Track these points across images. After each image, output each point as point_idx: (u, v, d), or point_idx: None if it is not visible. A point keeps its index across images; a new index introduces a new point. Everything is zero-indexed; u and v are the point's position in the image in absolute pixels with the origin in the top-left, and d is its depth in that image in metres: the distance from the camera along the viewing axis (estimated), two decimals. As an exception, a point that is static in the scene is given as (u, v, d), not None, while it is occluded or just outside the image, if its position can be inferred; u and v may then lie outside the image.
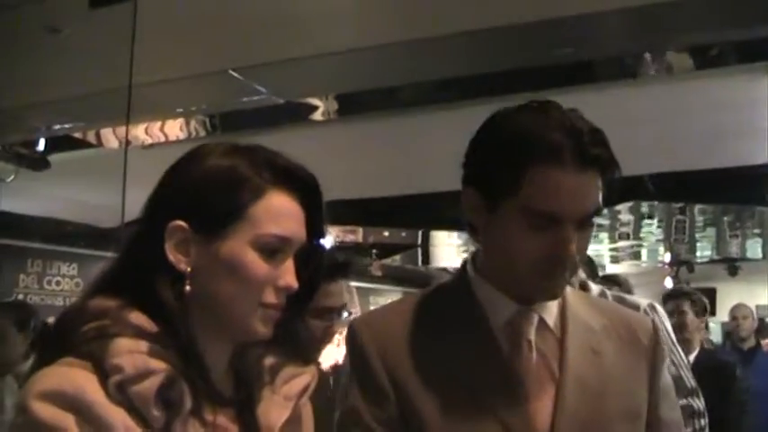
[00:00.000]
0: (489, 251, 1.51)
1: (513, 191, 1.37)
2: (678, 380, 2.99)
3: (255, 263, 1.22)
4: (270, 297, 1.24)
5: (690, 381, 3.17)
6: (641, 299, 3.10)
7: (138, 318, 1.18)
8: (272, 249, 1.23)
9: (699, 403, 3.20)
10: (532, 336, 1.47)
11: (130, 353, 1.13)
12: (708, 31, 3.60)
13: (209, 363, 1.23)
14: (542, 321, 1.50)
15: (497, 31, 3.50)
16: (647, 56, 3.97)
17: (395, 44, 3.71)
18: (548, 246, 1.37)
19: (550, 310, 1.51)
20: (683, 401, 3.01)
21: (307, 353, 1.39)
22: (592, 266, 3.77)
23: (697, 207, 9.54)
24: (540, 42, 3.68)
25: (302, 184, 1.29)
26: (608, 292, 2.97)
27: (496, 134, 1.43)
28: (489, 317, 1.50)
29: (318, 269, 1.35)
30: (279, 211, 1.25)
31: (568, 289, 1.57)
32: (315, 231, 1.32)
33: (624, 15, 3.36)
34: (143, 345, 1.15)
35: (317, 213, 1.32)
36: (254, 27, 3.66)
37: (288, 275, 1.25)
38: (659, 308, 3.11)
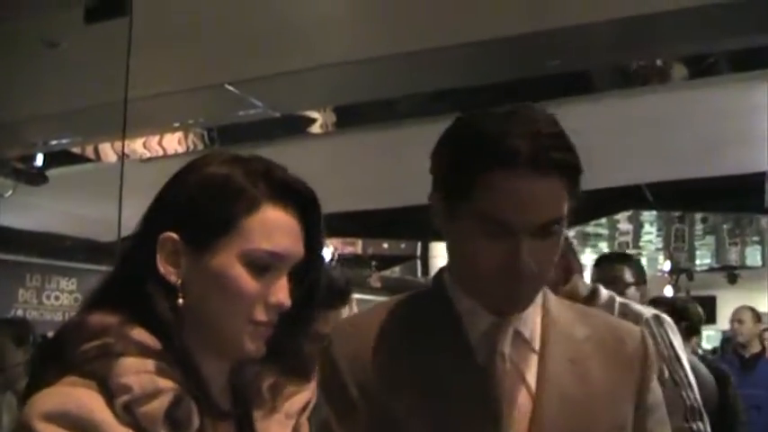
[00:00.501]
0: (452, 259, 1.45)
1: (468, 196, 1.30)
2: (677, 399, 2.74)
3: (244, 279, 1.18)
4: (260, 314, 1.19)
5: (692, 401, 2.85)
6: (646, 309, 2.92)
7: (140, 334, 1.15)
8: (263, 265, 1.19)
9: (701, 427, 2.87)
10: (506, 348, 1.39)
11: (138, 372, 1.10)
12: (706, 40, 3.61)
13: (207, 377, 1.20)
14: (518, 334, 1.42)
15: (495, 42, 3.50)
16: (645, 65, 3.98)
17: (391, 56, 3.71)
18: (501, 255, 1.30)
19: (528, 322, 1.44)
20: (684, 424, 2.80)
21: (307, 370, 1.33)
22: (640, 271, 3.70)
23: (696, 215, 9.55)
24: (540, 53, 3.69)
25: (300, 199, 1.24)
26: (617, 300, 2.89)
27: (457, 136, 1.37)
28: (467, 328, 1.42)
29: (317, 285, 1.30)
30: (273, 226, 1.21)
31: (552, 298, 1.51)
32: (313, 247, 1.27)
33: (621, 25, 3.37)
34: (150, 363, 1.12)
35: (316, 228, 1.27)
36: (250, 41, 3.66)
37: (280, 292, 1.20)
38: (667, 319, 2.89)
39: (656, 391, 1.51)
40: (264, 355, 1.24)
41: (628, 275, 3.56)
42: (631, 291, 3.51)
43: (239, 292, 1.18)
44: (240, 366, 1.29)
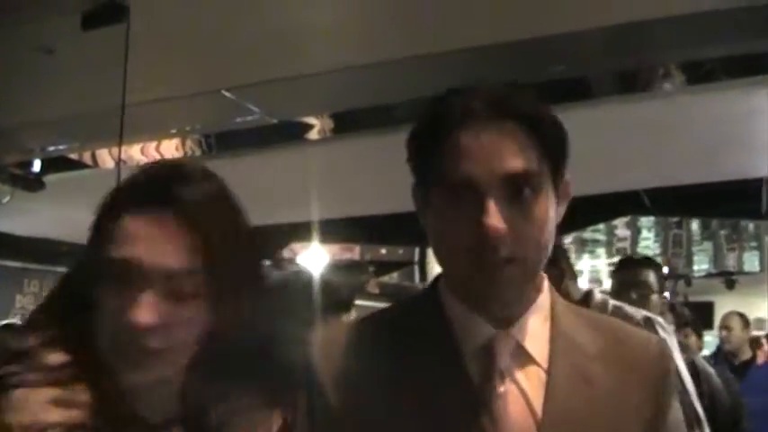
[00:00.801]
0: (435, 253, 1.28)
1: (433, 165, 1.22)
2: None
3: (104, 295, 1.08)
4: (124, 335, 1.06)
5: (686, 407, 2.66)
6: (638, 311, 2.83)
7: (54, 358, 1.09)
8: (119, 279, 1.07)
9: None
10: (506, 365, 1.24)
11: (25, 407, 1.04)
12: (705, 45, 3.60)
13: (135, 393, 1.12)
14: (521, 347, 1.26)
15: (493, 48, 3.49)
16: (644, 71, 3.97)
17: (389, 62, 3.71)
18: (472, 223, 1.16)
19: (534, 334, 1.28)
20: None
21: (273, 397, 1.22)
22: (662, 276, 3.61)
23: (694, 221, 9.58)
24: (539, 59, 3.68)
25: (189, 207, 1.12)
26: (610, 302, 2.84)
27: (423, 115, 1.29)
28: (460, 340, 1.27)
29: (241, 300, 1.15)
30: (127, 236, 1.09)
31: (561, 304, 1.35)
32: (215, 261, 1.12)
33: (620, 31, 3.36)
34: (44, 394, 1.05)
35: (216, 239, 1.13)
36: (247, 47, 3.66)
37: (134, 310, 1.05)
38: (659, 321, 2.79)
39: (676, 409, 1.36)
40: (221, 376, 1.15)
41: (653, 280, 3.49)
42: (655, 297, 3.46)
43: (100, 309, 1.09)
44: (192, 385, 1.17)
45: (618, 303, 2.87)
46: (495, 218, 1.14)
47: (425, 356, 1.27)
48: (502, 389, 1.23)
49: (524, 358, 1.27)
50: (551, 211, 1.23)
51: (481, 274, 1.19)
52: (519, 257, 1.18)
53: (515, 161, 1.17)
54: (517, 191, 1.18)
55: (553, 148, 1.23)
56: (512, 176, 1.17)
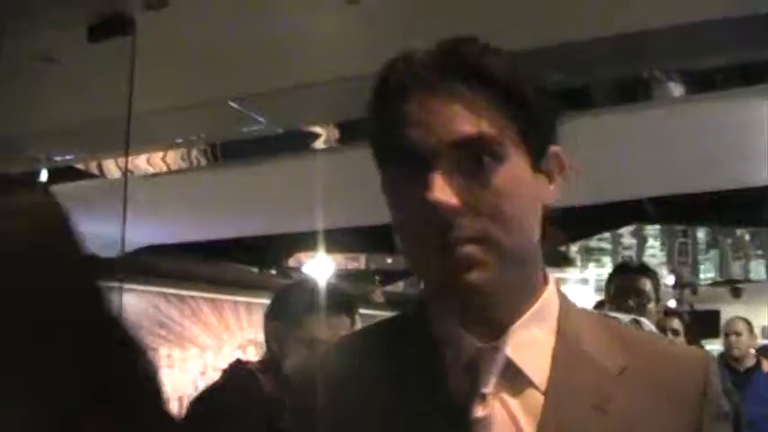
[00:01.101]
0: (401, 250, 1.06)
1: (381, 138, 1.08)
2: None
3: None
4: None
5: None
6: (623, 315, 2.72)
7: None
8: None
9: None
10: (490, 387, 1.01)
11: None
12: (707, 55, 3.61)
13: None
14: (512, 365, 1.03)
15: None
16: (646, 80, 3.98)
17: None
18: (421, 203, 0.96)
19: (530, 347, 1.04)
20: None
21: (142, 416, 1.06)
22: (658, 284, 3.58)
23: (699, 229, 9.56)
24: (541, 68, 3.69)
25: None
26: (589, 311, 2.77)
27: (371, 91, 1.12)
28: (447, 358, 1.06)
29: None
30: None
31: (575, 315, 1.11)
32: None
33: (622, 41, 3.37)
34: None
35: None
36: (253, 57, 3.67)
37: None
38: (646, 322, 2.64)
39: None
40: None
41: (650, 288, 3.46)
42: (652, 306, 3.43)
43: None
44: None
45: (596, 311, 2.84)
46: (440, 191, 0.95)
47: (407, 376, 1.07)
48: (483, 413, 1.00)
49: (517, 377, 1.04)
50: (525, 183, 1.01)
51: (439, 261, 0.98)
52: (482, 236, 0.97)
53: (464, 125, 0.98)
54: (473, 160, 0.98)
55: (521, 110, 1.02)
56: (462, 143, 0.98)
